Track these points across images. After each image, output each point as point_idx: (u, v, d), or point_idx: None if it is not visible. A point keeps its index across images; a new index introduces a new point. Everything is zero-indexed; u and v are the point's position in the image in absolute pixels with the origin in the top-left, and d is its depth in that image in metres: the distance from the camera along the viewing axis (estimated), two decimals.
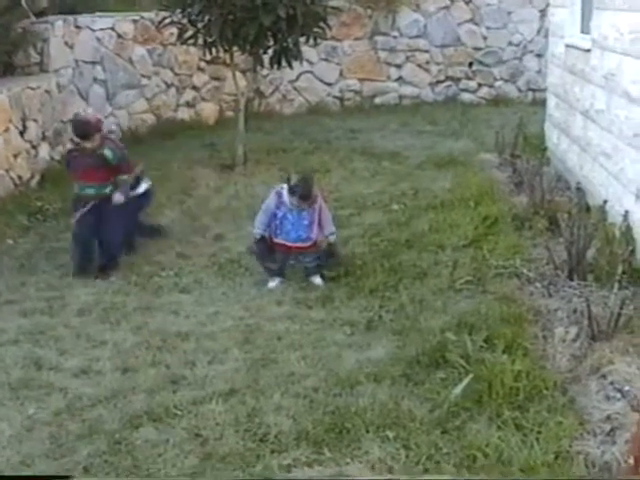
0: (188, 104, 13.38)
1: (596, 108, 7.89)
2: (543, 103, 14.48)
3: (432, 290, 6.35)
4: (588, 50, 8.24)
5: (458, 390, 4.56)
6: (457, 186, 9.21)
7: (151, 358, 5.33)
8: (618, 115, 7.07)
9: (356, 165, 10.77)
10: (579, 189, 6.54)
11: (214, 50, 10.37)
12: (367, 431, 4.35)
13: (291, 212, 6.60)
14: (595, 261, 6.48)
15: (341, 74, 14.82)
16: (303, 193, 6.59)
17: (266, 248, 6.72)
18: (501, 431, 4.24)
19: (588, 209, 7.83)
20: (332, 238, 6.72)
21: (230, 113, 13.53)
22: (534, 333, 5.58)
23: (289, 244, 6.64)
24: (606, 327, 5.43)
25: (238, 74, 11.30)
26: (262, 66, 10.63)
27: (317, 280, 6.70)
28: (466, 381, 4.59)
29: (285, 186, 6.66)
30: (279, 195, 6.67)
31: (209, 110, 13.70)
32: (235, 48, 10.32)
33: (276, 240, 6.67)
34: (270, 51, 10.30)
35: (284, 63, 10.43)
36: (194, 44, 10.49)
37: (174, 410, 4.64)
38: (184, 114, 13.32)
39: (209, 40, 10.17)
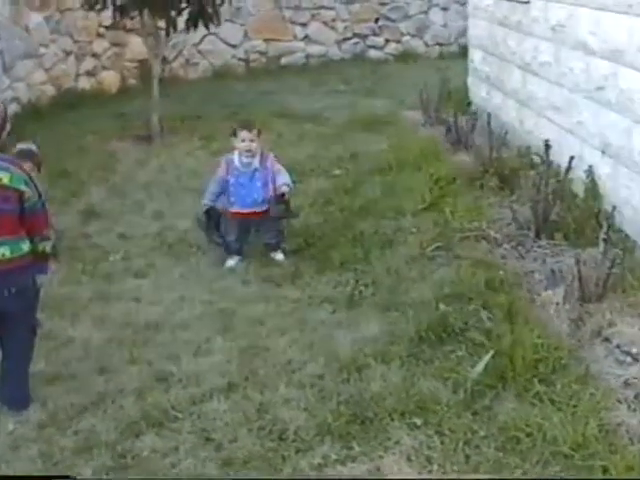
0: (89, 73, 12.71)
1: (540, 61, 7.77)
2: (451, 57, 14.61)
3: (404, 259, 6.12)
4: (527, 2, 8.09)
5: (480, 367, 4.34)
6: (395, 147, 8.98)
7: (128, 355, 4.90)
8: (572, 68, 6.95)
9: (279, 129, 10.38)
10: (547, 146, 6.39)
11: (124, 14, 9.79)
12: (392, 419, 4.09)
13: (244, 175, 6.26)
14: (561, 219, 6.37)
15: (246, 35, 14.41)
16: (243, 123, 6.43)
17: (214, 221, 6.35)
18: (535, 408, 4.05)
19: (532, 166, 7.76)
20: (285, 189, 6.20)
21: (133, 81, 12.97)
22: (522, 297, 5.43)
23: (245, 211, 6.29)
24: (595, 287, 5.32)
25: (143, 38, 10.77)
26: (175, 29, 10.08)
27: (279, 256, 6.38)
28: (487, 357, 4.38)
29: (236, 153, 6.30)
30: (230, 162, 6.34)
31: (111, 78, 13.07)
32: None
33: (232, 210, 6.31)
34: (185, 13, 9.81)
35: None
36: (102, 9, 9.87)
37: (173, 412, 4.26)
38: (85, 83, 12.64)
39: (119, 3, 9.58)
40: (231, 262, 6.32)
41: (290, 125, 10.60)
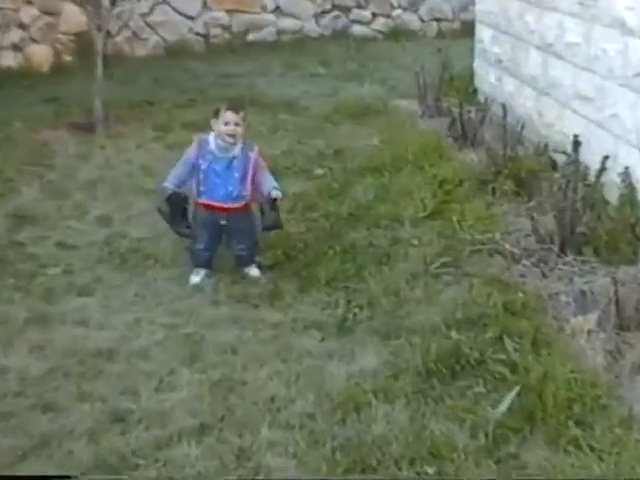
0: (15, 47, 12.74)
1: (566, 41, 7.86)
2: (452, 35, 14.79)
3: (405, 277, 6.17)
4: None
5: (503, 407, 4.39)
6: (388, 143, 9.11)
7: (75, 389, 4.89)
8: (606, 50, 7.03)
9: (247, 119, 10.42)
10: (577, 142, 6.45)
11: None
12: (399, 468, 4.12)
13: (219, 161, 6.24)
14: (591, 231, 6.44)
15: (205, 5, 14.52)
16: (230, 102, 6.48)
17: (179, 208, 6.29)
18: (571, 456, 4.10)
19: (554, 167, 7.85)
20: (276, 193, 6.26)
21: (68, 58, 13.01)
22: (547, 324, 5.49)
23: (215, 204, 6.27)
24: (634, 312, 5.39)
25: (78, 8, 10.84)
26: None
27: (254, 271, 6.41)
28: (512, 395, 4.43)
29: (212, 133, 6.31)
30: (203, 143, 6.31)
31: (42, 54, 13.08)
32: None
33: (200, 201, 6.32)
34: None
35: None
36: None
37: (134, 458, 4.25)
38: (10, 60, 12.69)
39: None
40: (196, 278, 6.33)
41: (260, 115, 10.62)
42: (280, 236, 6.82)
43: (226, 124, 6.21)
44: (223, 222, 6.31)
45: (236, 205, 6.29)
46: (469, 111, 9.38)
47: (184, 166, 6.34)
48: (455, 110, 9.39)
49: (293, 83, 12.42)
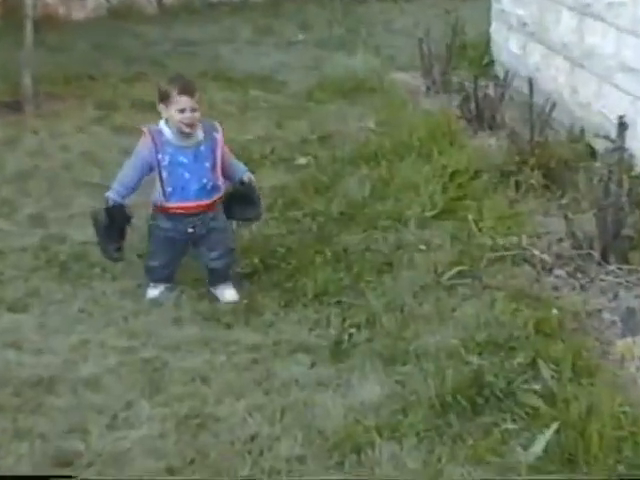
0: None
1: (607, 0, 7.92)
2: None
3: (411, 289, 6.23)
4: None
5: (538, 447, 4.44)
6: (386, 125, 9.20)
7: (11, 425, 4.91)
8: None
9: (211, 96, 10.49)
10: (622, 124, 6.50)
11: None
12: None
13: (184, 152, 6.16)
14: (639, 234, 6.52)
15: None
16: (181, 83, 6.18)
17: (118, 224, 6.22)
18: None
19: (592, 155, 7.92)
20: (248, 175, 6.54)
21: None
22: (589, 347, 5.55)
23: (190, 204, 6.22)
24: None
25: None
26: None
27: (228, 294, 6.37)
28: (550, 432, 4.48)
29: (162, 121, 6.23)
30: (157, 134, 6.19)
31: None
32: None
33: (169, 205, 6.22)
34: None
35: None
36: None
37: None
38: None
39: None
40: (154, 292, 6.37)
41: (228, 91, 10.77)
42: (255, 238, 6.89)
43: (181, 111, 6.09)
44: (190, 230, 6.29)
45: (212, 200, 6.27)
46: (486, 86, 9.44)
47: (137, 170, 6.26)
48: (468, 85, 9.47)
49: (267, 52, 12.54)
